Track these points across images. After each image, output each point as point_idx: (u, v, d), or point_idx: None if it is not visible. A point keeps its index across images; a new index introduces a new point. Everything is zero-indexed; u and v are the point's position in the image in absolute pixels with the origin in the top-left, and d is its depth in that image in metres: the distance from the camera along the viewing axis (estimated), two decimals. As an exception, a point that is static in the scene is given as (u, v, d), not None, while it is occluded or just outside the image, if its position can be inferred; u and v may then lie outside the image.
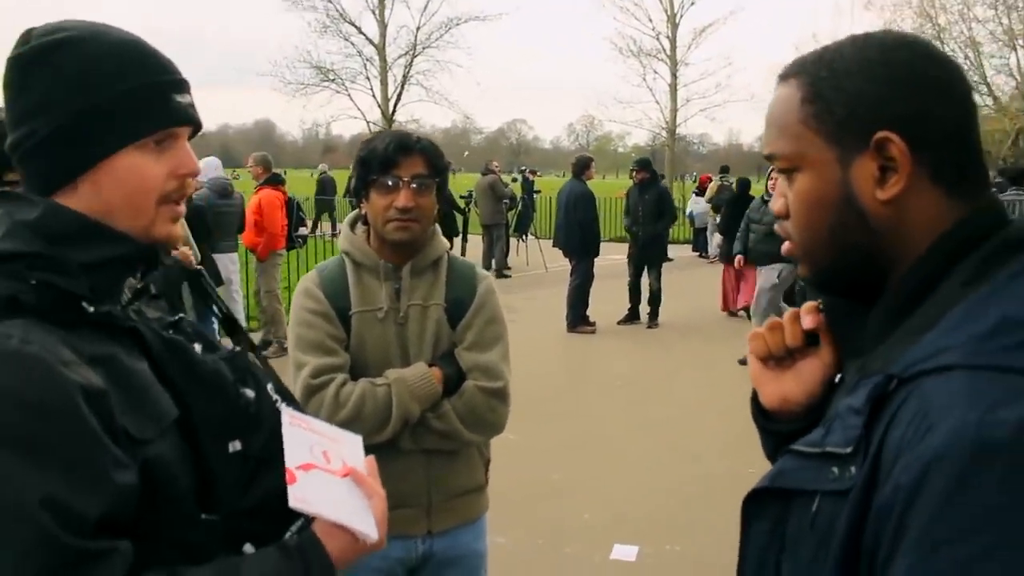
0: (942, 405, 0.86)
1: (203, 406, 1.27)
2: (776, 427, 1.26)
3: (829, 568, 0.94)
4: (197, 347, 1.34)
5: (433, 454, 2.42)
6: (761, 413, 1.29)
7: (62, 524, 1.04)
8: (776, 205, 1.15)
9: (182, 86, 1.30)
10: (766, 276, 8.94)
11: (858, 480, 0.92)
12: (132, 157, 1.23)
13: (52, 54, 1.22)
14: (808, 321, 1.21)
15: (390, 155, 2.34)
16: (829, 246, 1.09)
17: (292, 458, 1.31)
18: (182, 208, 1.32)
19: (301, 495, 1.26)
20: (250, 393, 1.36)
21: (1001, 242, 1.01)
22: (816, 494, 0.98)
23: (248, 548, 1.28)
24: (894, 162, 1.02)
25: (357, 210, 2.55)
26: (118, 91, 1.22)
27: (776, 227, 1.19)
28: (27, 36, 1.25)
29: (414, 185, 2.35)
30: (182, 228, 4.71)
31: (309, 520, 1.31)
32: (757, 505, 1.08)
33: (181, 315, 1.39)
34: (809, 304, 1.22)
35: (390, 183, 2.34)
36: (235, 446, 1.30)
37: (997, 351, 0.89)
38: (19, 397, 1.07)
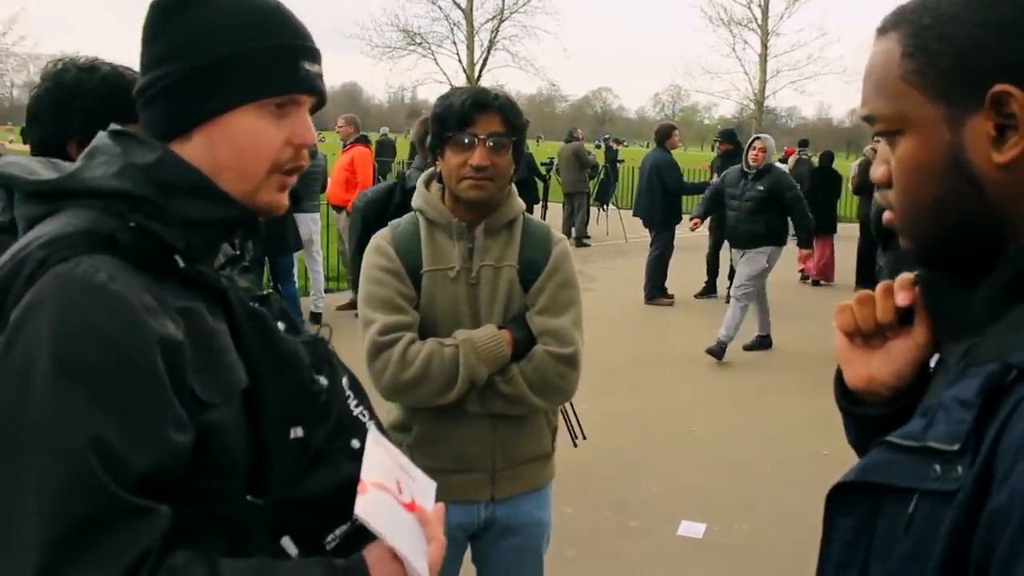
0: None
1: (273, 384, 1.23)
2: (861, 411, 1.16)
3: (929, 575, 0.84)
4: (280, 326, 1.30)
5: (499, 419, 2.38)
6: (844, 395, 1.19)
7: (107, 469, 1.01)
8: (877, 172, 1.04)
9: (314, 55, 1.29)
10: (754, 262, 8.08)
11: (967, 482, 0.81)
12: (251, 117, 1.22)
13: (192, 3, 1.22)
14: (902, 297, 1.09)
15: (466, 112, 2.27)
16: (935, 216, 0.98)
17: (368, 472, 1.24)
18: (293, 178, 1.30)
19: (369, 508, 1.19)
20: (324, 381, 1.31)
21: None
22: (913, 493, 0.87)
23: (286, 541, 1.23)
24: (1014, 119, 0.90)
25: (432, 167, 2.50)
26: (250, 47, 1.22)
27: (877, 196, 1.09)
28: None
29: (490, 143, 2.28)
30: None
31: (353, 529, 1.25)
32: (843, 500, 0.97)
33: (271, 291, 1.35)
34: (904, 276, 1.11)
35: (466, 140, 2.28)
36: (296, 432, 1.24)
37: None
38: (97, 332, 1.04)
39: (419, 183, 2.53)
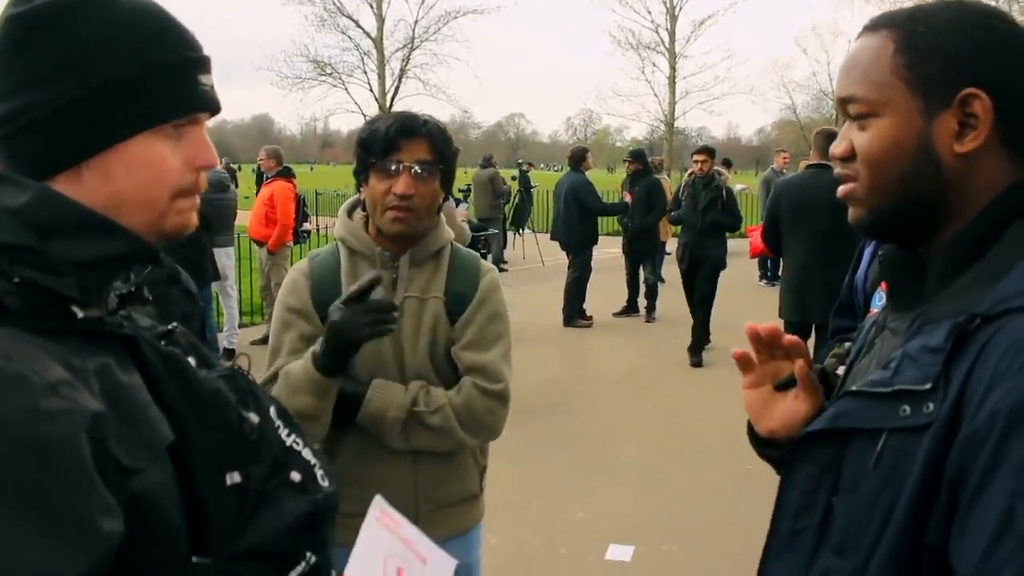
0: None
1: (200, 431, 1.09)
2: (772, 453, 1.34)
3: (906, 497, 0.98)
4: (191, 361, 1.15)
5: (423, 458, 2.26)
6: (756, 439, 1.38)
7: None
8: (840, 147, 1.19)
9: (206, 64, 1.14)
10: None
11: (940, 414, 0.97)
12: (149, 143, 1.08)
13: (65, 16, 1.04)
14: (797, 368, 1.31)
15: (391, 138, 2.18)
16: (896, 191, 1.14)
17: (357, 565, 1.11)
18: (196, 199, 1.17)
19: None
20: (253, 418, 1.17)
21: None
22: (882, 432, 1.04)
23: None
24: (975, 119, 1.09)
25: (356, 195, 2.40)
26: (143, 66, 1.06)
27: (837, 170, 1.22)
28: None
29: (416, 170, 2.19)
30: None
31: (309, 568, 1.12)
32: (804, 450, 1.15)
33: (175, 324, 1.20)
34: (799, 363, 1.31)
35: (391, 168, 2.19)
36: (233, 478, 1.11)
37: None
38: (2, 431, 0.88)
39: (341, 211, 2.44)
